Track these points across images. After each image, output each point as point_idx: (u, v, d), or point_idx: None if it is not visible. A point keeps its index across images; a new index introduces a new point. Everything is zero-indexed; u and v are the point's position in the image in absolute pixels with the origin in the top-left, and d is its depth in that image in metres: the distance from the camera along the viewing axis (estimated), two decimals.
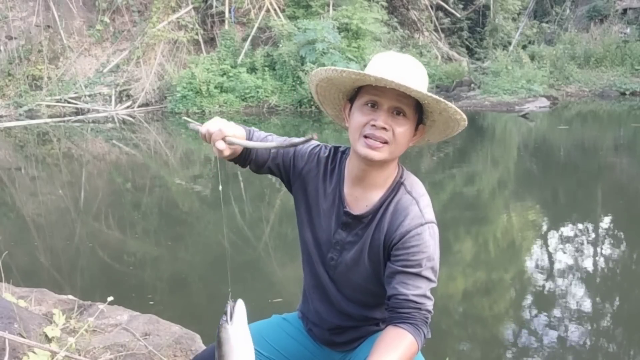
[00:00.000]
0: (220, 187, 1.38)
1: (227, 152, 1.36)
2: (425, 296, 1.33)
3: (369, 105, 1.31)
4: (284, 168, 1.50)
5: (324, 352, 1.59)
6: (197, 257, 4.05)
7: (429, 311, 1.33)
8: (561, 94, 13.07)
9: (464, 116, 1.32)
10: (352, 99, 1.38)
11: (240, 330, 1.14)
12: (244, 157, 1.48)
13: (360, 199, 1.42)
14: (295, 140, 1.25)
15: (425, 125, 1.39)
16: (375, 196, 1.41)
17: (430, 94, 1.29)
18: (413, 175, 1.46)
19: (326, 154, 1.48)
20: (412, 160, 7.13)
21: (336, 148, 1.49)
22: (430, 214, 1.37)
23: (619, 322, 2.94)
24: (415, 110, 1.33)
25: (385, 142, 1.31)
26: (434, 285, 1.36)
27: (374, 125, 1.30)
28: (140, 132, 11.03)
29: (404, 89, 1.25)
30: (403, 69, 1.31)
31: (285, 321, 1.66)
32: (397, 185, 1.40)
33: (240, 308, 1.16)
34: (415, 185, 1.42)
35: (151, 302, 3.17)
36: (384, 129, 1.30)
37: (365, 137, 1.31)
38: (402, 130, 1.32)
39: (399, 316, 1.33)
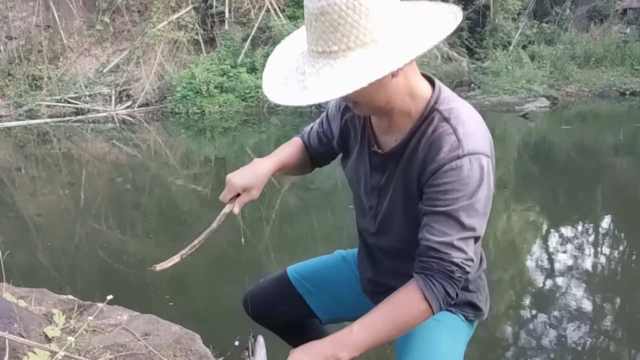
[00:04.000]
0: (243, 240, 1.44)
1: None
2: (452, 245, 1.08)
3: None
4: (336, 145, 1.41)
5: (368, 304, 1.49)
6: (197, 257, 4.03)
7: (454, 264, 1.09)
8: (561, 94, 13.06)
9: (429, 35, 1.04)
10: None
11: None
12: (313, 164, 1.53)
13: (390, 132, 1.20)
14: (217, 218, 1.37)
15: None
16: (405, 127, 1.17)
17: (351, 84, 0.95)
18: (454, 95, 1.19)
19: None
20: None
21: None
22: (473, 143, 1.10)
23: (619, 322, 2.94)
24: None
25: (361, 108, 1.15)
26: (471, 234, 1.09)
27: None
28: (140, 132, 11.02)
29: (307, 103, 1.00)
30: (303, 67, 1.03)
31: (344, 261, 1.60)
32: (430, 112, 1.14)
33: (260, 346, 1.18)
34: (455, 109, 1.14)
35: (171, 303, 3.17)
36: (350, 104, 1.16)
37: None
38: (362, 99, 1.10)
39: (419, 264, 1.13)
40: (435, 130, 1.13)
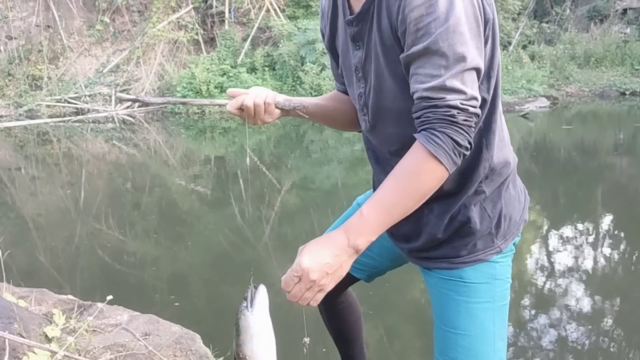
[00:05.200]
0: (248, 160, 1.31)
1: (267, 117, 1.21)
2: (443, 88, 0.91)
3: None
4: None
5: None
6: (197, 257, 4.05)
7: (452, 107, 0.92)
8: (561, 94, 13.07)
9: None
10: None
11: (261, 317, 1.05)
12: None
13: None
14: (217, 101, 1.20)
15: None
16: None
17: None
18: None
19: None
20: None
21: None
22: None
23: (619, 323, 2.94)
24: None
25: None
26: (462, 66, 0.91)
27: None
28: (140, 132, 11.03)
29: None
30: None
31: (359, 206, 1.45)
32: None
33: (262, 294, 1.07)
34: None
35: (177, 304, 3.17)
36: None
37: None
38: None
39: (417, 123, 0.97)
40: None
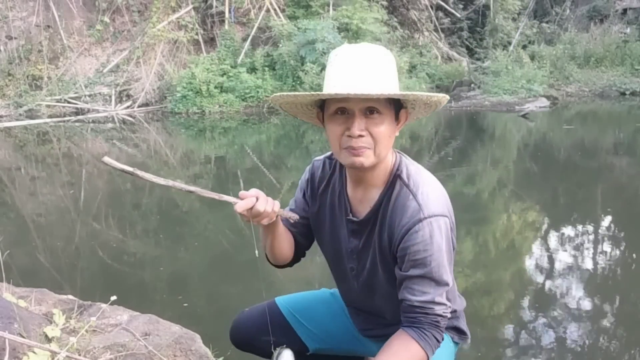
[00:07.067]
0: (257, 252, 1.40)
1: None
2: (433, 302, 1.25)
3: (339, 112, 1.21)
4: (310, 218, 1.51)
5: (359, 339, 1.63)
6: (196, 257, 4.04)
7: (439, 315, 1.26)
8: (561, 93, 13.07)
9: (440, 95, 1.25)
10: (321, 105, 1.28)
11: None
12: (299, 250, 1.56)
13: (364, 201, 1.35)
14: (225, 197, 1.28)
15: (407, 109, 1.29)
16: (375, 195, 1.32)
17: (394, 91, 1.20)
18: (413, 162, 1.35)
19: (320, 167, 1.45)
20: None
21: (330, 156, 1.44)
22: (432, 206, 1.23)
23: (619, 323, 2.94)
24: (390, 100, 1.22)
25: (368, 148, 1.22)
26: (445, 288, 1.27)
27: (349, 136, 1.20)
28: (140, 132, 11.03)
29: (364, 96, 1.15)
30: (360, 70, 1.20)
31: (333, 297, 1.68)
32: (394, 179, 1.30)
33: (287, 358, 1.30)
34: (414, 175, 1.29)
35: (185, 305, 3.16)
36: (361, 135, 1.20)
37: (346, 148, 1.22)
38: (380, 129, 1.21)
39: (407, 319, 1.28)
40: (398, 195, 1.28)
